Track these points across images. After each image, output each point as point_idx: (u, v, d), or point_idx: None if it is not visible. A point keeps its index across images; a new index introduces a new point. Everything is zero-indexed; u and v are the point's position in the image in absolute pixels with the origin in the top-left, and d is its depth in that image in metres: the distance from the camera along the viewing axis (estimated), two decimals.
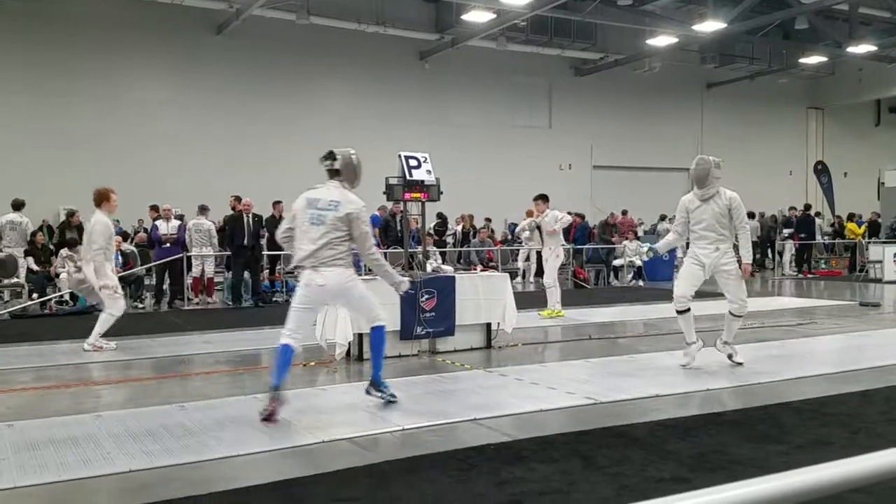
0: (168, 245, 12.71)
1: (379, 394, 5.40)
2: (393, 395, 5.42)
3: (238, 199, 13.24)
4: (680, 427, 4.79)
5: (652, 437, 4.55)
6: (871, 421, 4.98)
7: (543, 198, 10.93)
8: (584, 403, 5.47)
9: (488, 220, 19.40)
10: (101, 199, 8.12)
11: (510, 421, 5.00)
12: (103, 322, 8.03)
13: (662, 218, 21.27)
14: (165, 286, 13.13)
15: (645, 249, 7.26)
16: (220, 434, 4.67)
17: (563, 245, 11.39)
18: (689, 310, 6.71)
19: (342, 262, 5.13)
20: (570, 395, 5.68)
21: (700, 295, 7.15)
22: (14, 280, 12.23)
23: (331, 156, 5.34)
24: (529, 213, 17.08)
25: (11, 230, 12.57)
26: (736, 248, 6.71)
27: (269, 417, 4.92)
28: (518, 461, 4.08)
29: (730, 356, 6.86)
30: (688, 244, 6.93)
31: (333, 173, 5.31)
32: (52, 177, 17.30)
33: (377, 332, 5.48)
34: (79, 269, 12.20)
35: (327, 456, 4.28)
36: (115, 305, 8.10)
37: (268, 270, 14.06)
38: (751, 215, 20.61)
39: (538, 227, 10.99)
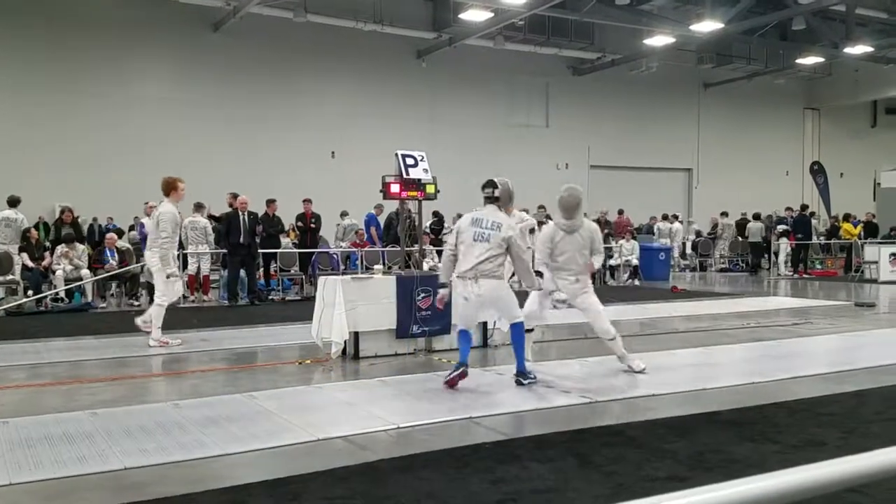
0: None
1: (527, 381, 5.98)
2: (535, 377, 6.06)
3: (235, 196, 13.22)
4: (676, 426, 4.80)
5: (648, 436, 4.55)
6: (865, 421, 4.99)
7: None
8: (579, 402, 5.47)
9: None
10: (169, 188, 8.20)
11: (505, 420, 5.00)
12: (157, 315, 8.07)
13: (665, 217, 21.29)
14: None
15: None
16: (216, 432, 4.66)
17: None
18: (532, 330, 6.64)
19: (497, 274, 5.90)
20: (565, 394, 5.69)
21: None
22: (9, 277, 12.20)
23: (491, 184, 6.08)
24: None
25: (6, 227, 12.54)
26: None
27: (452, 383, 5.84)
28: (513, 460, 4.08)
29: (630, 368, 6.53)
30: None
31: (493, 199, 6.04)
32: (47, 173, 17.25)
33: (516, 328, 6.08)
34: (76, 267, 12.24)
35: (322, 454, 4.28)
36: (169, 291, 8.16)
37: (263, 269, 14.04)
38: (756, 216, 20.73)
39: None
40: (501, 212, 6.07)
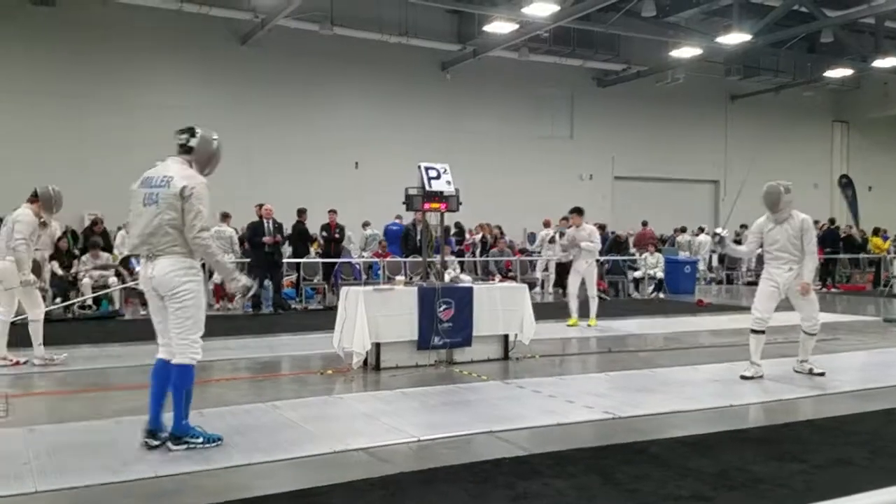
0: None
1: (181, 447, 4.46)
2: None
3: (261, 206, 13.37)
4: (700, 444, 4.74)
5: (672, 454, 4.50)
6: (893, 440, 4.90)
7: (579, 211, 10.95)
8: (602, 418, 5.42)
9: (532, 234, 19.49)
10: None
11: (527, 434, 4.97)
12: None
13: (683, 230, 21.10)
14: None
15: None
16: (238, 441, 4.68)
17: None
18: None
19: (176, 251, 4.57)
20: (588, 409, 5.64)
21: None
22: (40, 284, 12.36)
23: (188, 131, 5.14)
24: (547, 224, 17.18)
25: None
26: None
27: None
28: (534, 476, 4.05)
29: None
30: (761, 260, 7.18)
31: (186, 150, 5.06)
32: (75, 183, 17.45)
33: (180, 371, 4.51)
34: (103, 276, 12.41)
35: (342, 466, 4.29)
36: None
37: (293, 276, 14.14)
38: None
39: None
40: (186, 165, 4.82)
